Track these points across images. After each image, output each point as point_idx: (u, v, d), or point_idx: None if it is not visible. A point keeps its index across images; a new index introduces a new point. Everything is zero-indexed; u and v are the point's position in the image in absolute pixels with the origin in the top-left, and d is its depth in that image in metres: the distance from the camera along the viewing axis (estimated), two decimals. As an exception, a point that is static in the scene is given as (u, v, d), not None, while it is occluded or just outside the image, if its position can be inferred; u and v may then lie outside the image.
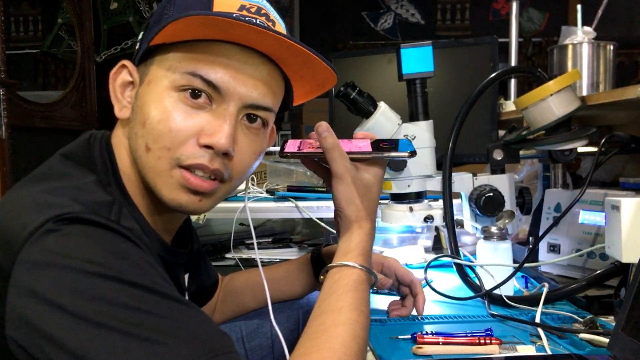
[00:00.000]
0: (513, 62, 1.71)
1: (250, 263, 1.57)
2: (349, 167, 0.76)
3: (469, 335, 0.84)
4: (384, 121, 0.99)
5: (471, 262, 1.11)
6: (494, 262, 1.08)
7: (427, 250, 1.51)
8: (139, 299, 0.54)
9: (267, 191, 1.68)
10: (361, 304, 0.68)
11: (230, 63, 0.67)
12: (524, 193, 1.13)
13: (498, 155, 1.15)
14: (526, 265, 1.11)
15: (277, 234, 1.80)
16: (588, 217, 1.12)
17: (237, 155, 0.70)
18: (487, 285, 1.05)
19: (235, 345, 0.88)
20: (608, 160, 1.14)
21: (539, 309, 0.95)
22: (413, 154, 0.79)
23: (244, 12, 0.69)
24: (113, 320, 0.52)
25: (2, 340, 0.55)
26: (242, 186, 1.71)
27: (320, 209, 1.49)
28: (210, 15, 0.64)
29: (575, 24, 1.32)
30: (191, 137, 0.67)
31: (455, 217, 1.10)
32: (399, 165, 1.00)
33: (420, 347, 0.81)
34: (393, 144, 0.80)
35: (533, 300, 1.00)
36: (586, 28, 1.31)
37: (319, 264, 0.98)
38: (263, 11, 0.70)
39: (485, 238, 1.10)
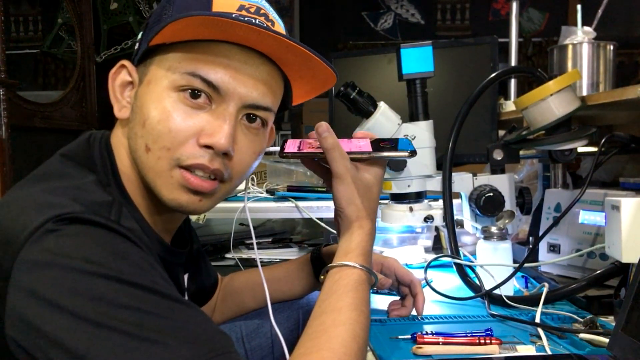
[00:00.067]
0: (513, 62, 1.71)
1: (250, 263, 1.57)
2: (349, 167, 0.76)
3: (469, 335, 0.84)
4: (384, 121, 0.99)
5: (471, 262, 1.11)
6: (494, 262, 1.08)
7: (427, 250, 1.51)
8: (139, 299, 0.54)
9: (267, 191, 1.68)
10: (361, 304, 0.68)
11: (230, 63, 0.67)
12: (524, 193, 1.13)
13: (498, 155, 1.15)
14: (526, 265, 1.11)
15: (277, 234, 1.80)
16: (588, 217, 1.13)
17: (236, 155, 0.70)
18: (487, 285, 1.05)
19: (235, 345, 0.88)
20: (608, 160, 1.14)
21: (539, 309, 0.95)
22: (413, 153, 0.79)
23: (243, 12, 0.69)
24: (113, 320, 0.52)
25: (2, 340, 0.55)
26: (242, 186, 1.71)
27: (320, 209, 1.49)
28: (210, 15, 0.64)
29: (575, 24, 1.32)
30: (191, 137, 0.67)
31: (455, 217, 1.10)
32: (399, 165, 1.00)
33: (420, 347, 0.81)
34: (393, 143, 0.80)
35: (533, 300, 1.00)
36: (586, 28, 1.31)
37: (319, 264, 0.98)
38: (262, 11, 0.71)
39: (485, 238, 1.10)
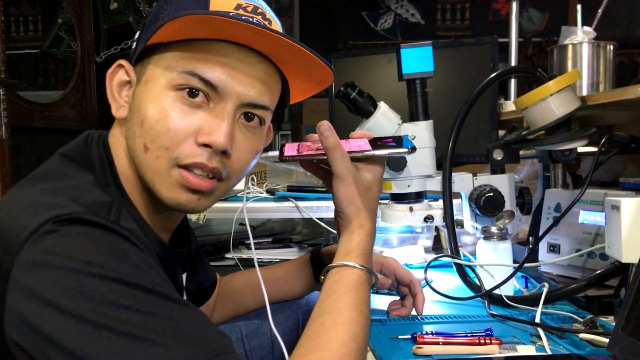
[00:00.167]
0: (513, 62, 1.71)
1: (250, 263, 1.57)
2: (350, 167, 0.76)
3: (469, 335, 0.84)
4: (384, 121, 0.99)
5: (471, 262, 1.11)
6: (494, 262, 1.08)
7: (427, 250, 1.51)
8: (138, 300, 0.54)
9: (267, 191, 1.68)
10: (361, 304, 0.68)
11: (228, 62, 0.68)
12: (524, 193, 1.13)
13: (498, 155, 1.15)
14: (526, 265, 1.11)
15: (277, 234, 1.80)
16: (588, 217, 1.12)
17: (235, 154, 0.70)
18: (487, 285, 1.05)
19: (235, 345, 0.88)
20: (608, 160, 1.14)
21: (539, 309, 0.95)
22: (413, 149, 0.79)
23: (241, 11, 0.69)
24: (112, 321, 0.52)
25: (1, 340, 0.55)
26: (242, 186, 1.71)
27: (320, 209, 1.49)
28: (207, 14, 0.64)
29: (575, 24, 1.32)
30: (189, 137, 0.67)
31: (455, 217, 1.10)
32: (399, 165, 1.00)
33: (420, 347, 0.81)
34: (392, 140, 0.80)
35: (533, 300, 1.00)
36: (586, 28, 1.31)
37: (319, 264, 0.98)
38: (259, 10, 0.71)
39: (485, 238, 1.10)
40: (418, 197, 1.06)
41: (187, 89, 0.67)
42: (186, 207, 0.70)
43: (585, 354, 0.79)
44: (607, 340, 0.78)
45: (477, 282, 1.07)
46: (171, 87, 0.67)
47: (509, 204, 1.09)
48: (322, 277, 0.74)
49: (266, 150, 0.89)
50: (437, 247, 1.57)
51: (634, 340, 0.69)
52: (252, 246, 0.83)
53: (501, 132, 1.38)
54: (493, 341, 0.82)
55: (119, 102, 0.73)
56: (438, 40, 3.08)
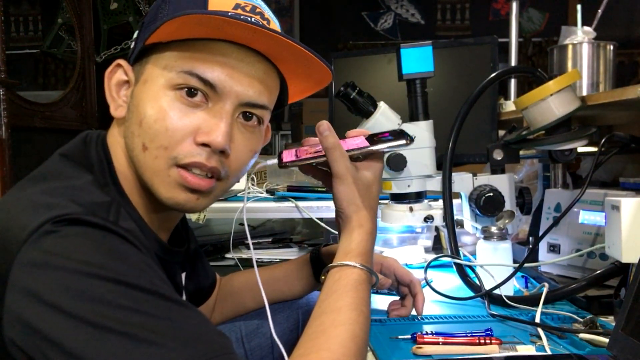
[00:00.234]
0: (513, 62, 1.71)
1: (250, 263, 1.56)
2: (350, 167, 0.76)
3: (469, 335, 0.84)
4: (384, 121, 0.99)
5: (471, 262, 1.11)
6: (494, 262, 1.08)
7: (427, 250, 1.51)
8: (137, 301, 0.54)
9: (267, 191, 1.68)
10: (361, 304, 0.68)
11: (227, 61, 0.68)
12: (524, 193, 1.13)
13: (498, 155, 1.15)
14: (526, 265, 1.11)
15: (277, 234, 1.80)
16: (588, 217, 1.12)
17: (233, 153, 0.70)
18: (487, 285, 1.05)
19: (235, 346, 0.88)
20: (608, 160, 1.14)
21: (539, 309, 0.95)
22: (411, 140, 0.79)
23: (239, 11, 0.69)
24: (112, 321, 0.52)
25: (1, 341, 0.55)
26: (242, 186, 1.71)
27: (320, 209, 1.49)
28: (206, 14, 0.64)
29: (575, 24, 1.32)
30: (188, 136, 0.67)
31: (455, 217, 1.10)
32: (399, 165, 1.00)
33: (420, 347, 0.81)
34: (389, 134, 0.81)
35: (533, 300, 1.00)
36: (586, 28, 1.31)
37: (318, 264, 0.98)
38: (258, 10, 0.71)
39: (485, 238, 1.10)
40: (418, 197, 1.06)
41: (186, 89, 0.67)
42: (185, 206, 0.70)
43: (585, 354, 0.79)
44: (607, 340, 0.78)
45: (477, 282, 1.07)
46: (170, 87, 0.67)
47: (509, 204, 1.09)
48: (323, 277, 0.74)
49: (265, 150, 0.90)
50: (437, 247, 1.57)
51: (634, 340, 0.69)
52: (251, 247, 0.83)
53: (501, 132, 1.38)
54: (493, 341, 0.82)
55: (118, 102, 0.73)
56: (438, 40, 3.08)
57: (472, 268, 1.10)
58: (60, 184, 0.64)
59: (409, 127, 1.03)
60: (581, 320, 0.92)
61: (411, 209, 1.06)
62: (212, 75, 0.67)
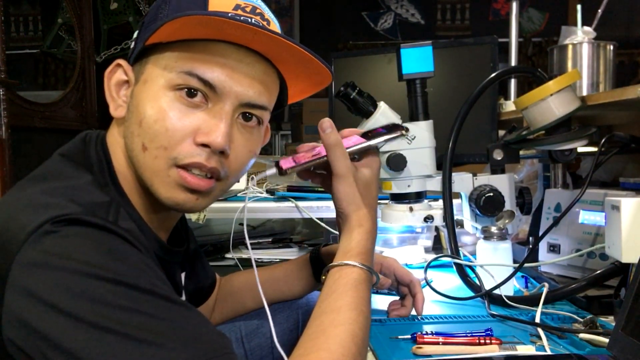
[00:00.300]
0: (513, 62, 1.71)
1: (250, 263, 1.56)
2: (350, 166, 0.76)
3: (469, 335, 0.84)
4: (384, 121, 0.99)
5: (471, 262, 1.11)
6: (494, 262, 1.08)
7: (427, 250, 1.51)
8: (137, 301, 0.54)
9: (267, 191, 1.68)
10: (361, 303, 0.68)
11: (227, 62, 0.68)
12: (524, 193, 1.13)
13: (498, 155, 1.15)
14: (526, 265, 1.11)
15: (277, 234, 1.80)
16: (588, 217, 1.12)
17: (233, 154, 0.70)
18: (487, 285, 1.05)
19: (235, 345, 0.88)
20: (608, 160, 1.14)
21: (539, 309, 0.95)
22: (406, 130, 0.81)
23: (239, 12, 0.69)
24: (111, 322, 0.52)
25: (0, 341, 0.55)
26: (242, 186, 1.71)
27: (320, 209, 1.48)
28: (207, 15, 0.64)
29: (575, 24, 1.32)
30: (188, 136, 0.67)
31: (455, 217, 1.10)
32: (399, 165, 1.00)
33: (420, 347, 0.81)
34: (383, 128, 0.81)
35: (533, 300, 1.00)
36: (586, 28, 1.31)
37: (318, 264, 0.98)
38: (258, 10, 0.71)
39: (485, 238, 1.10)
40: (418, 197, 1.06)
41: (186, 89, 0.67)
42: (184, 206, 0.70)
43: (585, 354, 0.79)
44: (607, 340, 0.78)
45: (477, 282, 1.07)
46: (170, 87, 0.67)
47: (509, 204, 1.09)
48: (323, 277, 0.74)
49: (265, 150, 0.89)
50: (437, 247, 1.57)
51: (634, 340, 0.69)
52: (249, 247, 0.83)
53: (501, 132, 1.38)
54: (493, 341, 0.82)
55: (117, 102, 0.73)
56: (438, 40, 3.08)
57: (472, 268, 1.10)
58: (60, 184, 0.64)
59: (409, 127, 1.03)
60: (581, 320, 0.92)
61: (411, 209, 1.06)
62: (212, 76, 0.67)
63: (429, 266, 1.12)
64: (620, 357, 0.71)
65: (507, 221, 1.09)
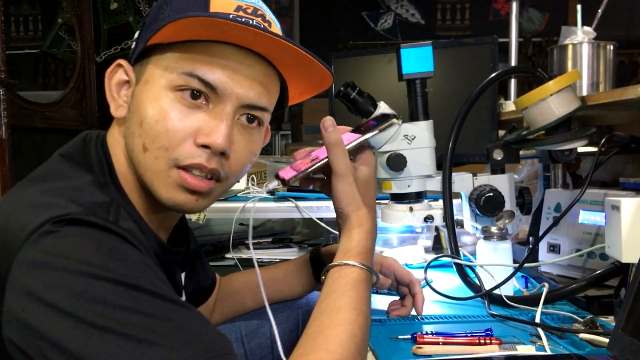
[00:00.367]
0: (513, 62, 1.71)
1: (250, 263, 1.56)
2: (350, 165, 0.76)
3: (469, 335, 0.84)
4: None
5: (471, 262, 1.11)
6: (494, 262, 1.08)
7: (427, 250, 1.51)
8: (137, 301, 0.54)
9: (267, 191, 1.68)
10: (360, 303, 0.68)
11: (228, 64, 0.68)
12: (524, 193, 1.13)
13: (498, 155, 1.15)
14: (526, 265, 1.11)
15: (277, 234, 1.80)
16: (588, 217, 1.12)
17: (233, 155, 0.70)
18: (487, 285, 1.05)
19: (235, 345, 0.88)
20: (608, 160, 1.14)
21: (539, 309, 0.95)
22: (397, 117, 0.83)
23: (241, 13, 0.69)
24: (111, 321, 0.52)
25: (0, 341, 0.55)
26: (242, 186, 1.71)
27: (320, 209, 1.48)
28: (208, 16, 0.64)
29: (575, 24, 1.32)
30: (188, 137, 0.67)
31: (455, 217, 1.10)
32: (399, 165, 1.00)
33: (420, 347, 0.81)
34: (374, 121, 0.81)
35: (533, 300, 1.00)
36: (586, 28, 1.31)
37: (318, 264, 0.98)
38: (259, 12, 0.71)
39: (485, 238, 1.10)
40: (418, 197, 1.06)
41: (189, 90, 0.67)
42: (184, 207, 0.70)
43: (585, 354, 0.79)
44: (607, 340, 0.78)
45: (477, 282, 1.07)
46: (171, 88, 0.68)
47: (509, 204, 1.09)
48: (323, 277, 0.74)
49: (265, 150, 0.90)
50: (437, 247, 1.57)
51: (634, 340, 0.69)
52: (251, 247, 0.82)
53: (501, 132, 1.38)
54: (493, 341, 0.82)
55: (118, 102, 0.73)
56: (438, 40, 3.08)
57: (472, 268, 1.10)
58: (60, 184, 0.64)
59: (409, 127, 1.03)
60: (581, 320, 0.92)
61: (411, 209, 1.06)
62: (213, 77, 0.67)
63: (429, 266, 1.12)
64: (620, 357, 0.71)
65: (507, 221, 1.09)
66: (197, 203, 0.70)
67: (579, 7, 1.33)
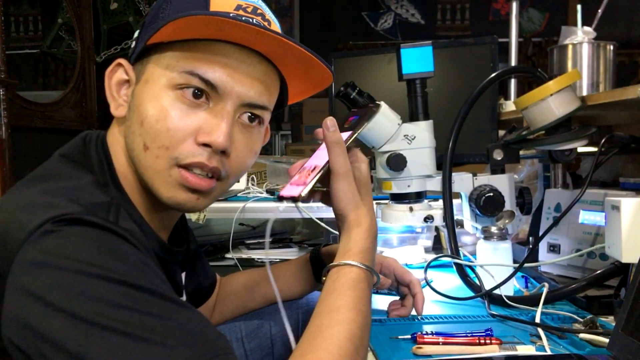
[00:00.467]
0: (513, 62, 1.71)
1: (249, 263, 1.57)
2: (349, 164, 0.76)
3: (469, 335, 0.84)
4: (384, 121, 0.99)
5: (471, 262, 1.11)
6: (494, 262, 1.08)
7: (427, 250, 1.51)
8: (137, 300, 0.54)
9: (267, 191, 1.68)
10: (360, 303, 0.68)
11: (228, 62, 0.68)
12: (524, 193, 1.13)
13: (498, 155, 1.15)
14: (526, 265, 1.11)
15: (277, 234, 1.80)
16: (588, 217, 1.12)
17: (234, 153, 0.70)
18: (487, 285, 1.05)
19: (235, 346, 0.88)
20: (608, 160, 1.14)
21: (539, 309, 0.95)
22: (376, 105, 0.85)
23: (241, 12, 0.69)
24: (111, 321, 0.52)
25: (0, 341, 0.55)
26: (243, 186, 1.70)
27: (320, 209, 1.48)
28: (209, 15, 0.64)
29: (575, 24, 1.32)
30: (189, 136, 0.67)
31: (455, 217, 1.10)
32: (399, 165, 1.00)
33: (420, 347, 0.81)
34: (357, 114, 0.81)
35: (533, 300, 1.00)
36: (586, 28, 1.31)
37: (318, 264, 0.98)
38: (259, 11, 0.71)
39: (485, 238, 1.10)
40: (418, 197, 1.06)
41: (190, 89, 0.67)
42: (185, 206, 0.70)
43: (585, 354, 0.79)
44: (607, 340, 0.78)
45: (477, 282, 1.07)
46: (171, 87, 0.68)
47: (509, 204, 1.09)
48: (324, 278, 0.74)
49: (265, 150, 0.89)
50: (437, 247, 1.57)
51: (634, 340, 0.69)
52: (267, 245, 0.81)
53: (501, 132, 1.38)
54: (493, 341, 0.82)
55: (118, 101, 0.73)
56: (438, 40, 3.08)
57: (472, 268, 1.10)
58: (60, 184, 0.64)
59: (409, 127, 1.03)
60: (581, 320, 0.92)
61: (411, 209, 1.06)
62: (213, 76, 0.67)
63: (429, 266, 1.12)
64: (620, 357, 0.71)
65: (507, 221, 1.09)
66: (198, 202, 0.70)
67: (579, 7, 1.33)
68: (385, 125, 0.99)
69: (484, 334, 0.84)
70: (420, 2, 5.16)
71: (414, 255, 1.43)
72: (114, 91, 0.73)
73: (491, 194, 1.06)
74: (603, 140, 1.08)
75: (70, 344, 0.51)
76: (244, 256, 1.58)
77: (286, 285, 1.01)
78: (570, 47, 1.31)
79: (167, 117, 0.67)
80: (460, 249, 1.12)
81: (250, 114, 0.71)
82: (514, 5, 1.70)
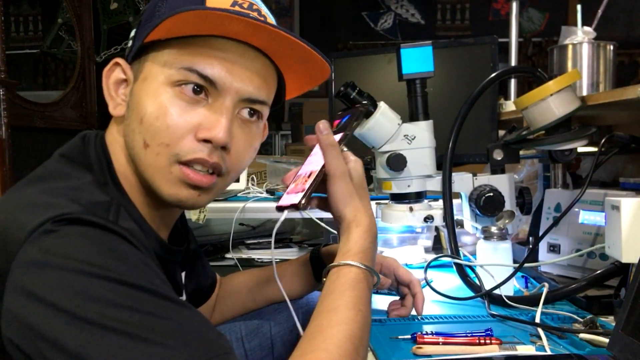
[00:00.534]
0: (513, 62, 1.71)
1: (249, 263, 1.57)
2: (344, 165, 0.76)
3: (469, 335, 0.84)
4: (384, 121, 0.99)
5: (471, 262, 1.11)
6: (494, 262, 1.08)
7: (427, 250, 1.51)
8: (137, 300, 0.53)
9: (267, 191, 1.68)
10: (359, 303, 0.68)
11: (226, 57, 0.68)
12: (524, 193, 1.13)
13: (498, 155, 1.15)
14: (526, 265, 1.11)
15: (278, 234, 1.80)
16: (588, 217, 1.12)
17: (234, 149, 0.70)
18: (487, 285, 1.05)
19: (235, 346, 0.88)
20: (608, 160, 1.14)
21: (539, 309, 0.95)
22: (364, 105, 0.85)
23: (237, 8, 0.70)
24: (111, 321, 0.52)
25: None
26: (242, 186, 1.70)
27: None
28: (206, 10, 0.64)
29: (575, 24, 1.32)
30: (189, 133, 0.67)
31: (455, 217, 1.10)
32: (399, 165, 1.00)
33: (420, 347, 0.81)
34: (347, 115, 0.81)
35: (533, 300, 1.00)
36: (586, 28, 1.31)
37: (318, 264, 0.98)
38: (255, 7, 0.71)
39: (485, 238, 1.10)
40: (418, 197, 1.06)
41: (190, 85, 0.67)
42: (186, 203, 0.70)
43: (585, 354, 0.79)
44: (607, 340, 0.78)
45: (477, 282, 1.07)
46: (170, 84, 0.68)
47: (509, 204, 1.09)
48: (324, 279, 0.74)
49: (265, 150, 0.89)
50: (437, 247, 1.57)
51: (634, 340, 0.69)
52: (272, 244, 0.81)
53: (501, 132, 1.38)
54: (493, 341, 0.82)
55: (116, 100, 0.73)
56: (438, 40, 3.08)
57: (472, 268, 1.10)
58: (60, 184, 0.64)
59: (409, 127, 1.03)
60: (581, 320, 0.92)
61: (411, 209, 1.06)
62: (212, 72, 0.67)
63: (429, 266, 1.12)
64: (620, 357, 0.71)
65: (507, 221, 1.09)
66: (199, 198, 0.71)
67: (579, 7, 1.33)
68: (385, 125, 0.99)
69: (484, 334, 0.84)
70: (420, 2, 5.16)
71: (414, 255, 1.43)
72: (112, 90, 0.73)
73: (491, 194, 1.06)
74: (603, 140, 1.08)
75: (70, 344, 0.51)
76: (244, 256, 1.58)
77: (286, 285, 1.00)
78: (570, 47, 1.31)
79: (166, 114, 0.67)
80: (460, 249, 1.12)
81: (249, 109, 0.72)
82: (514, 5, 1.70)
